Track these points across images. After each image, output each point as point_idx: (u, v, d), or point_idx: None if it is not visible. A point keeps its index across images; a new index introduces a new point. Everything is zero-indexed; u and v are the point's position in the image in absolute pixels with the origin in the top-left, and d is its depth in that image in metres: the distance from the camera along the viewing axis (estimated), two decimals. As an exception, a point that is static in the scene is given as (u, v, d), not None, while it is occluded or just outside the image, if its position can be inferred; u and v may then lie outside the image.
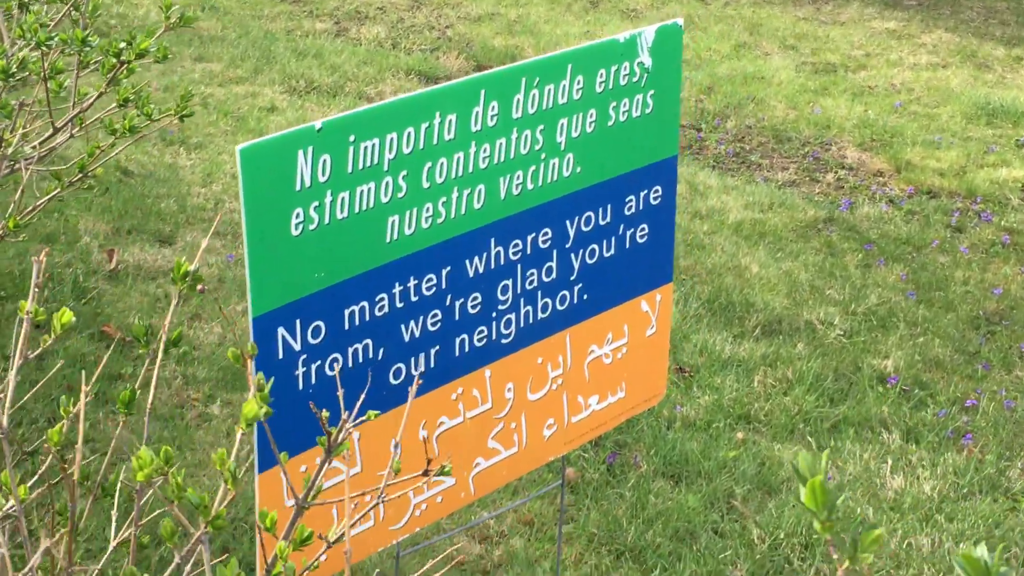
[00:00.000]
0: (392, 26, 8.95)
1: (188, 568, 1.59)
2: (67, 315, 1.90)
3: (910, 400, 5.06)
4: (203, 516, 1.56)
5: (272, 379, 2.48)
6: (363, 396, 1.79)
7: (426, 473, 1.74)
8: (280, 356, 2.47)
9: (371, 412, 1.71)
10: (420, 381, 2.52)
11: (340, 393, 1.76)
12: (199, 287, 1.87)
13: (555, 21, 9.37)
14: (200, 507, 1.54)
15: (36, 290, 1.85)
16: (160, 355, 1.92)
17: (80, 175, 2.74)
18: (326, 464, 1.60)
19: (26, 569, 1.61)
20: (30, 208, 2.74)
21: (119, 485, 1.98)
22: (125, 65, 2.62)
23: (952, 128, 7.95)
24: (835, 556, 1.05)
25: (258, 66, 7.78)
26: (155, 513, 2.21)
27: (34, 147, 2.71)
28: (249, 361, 1.71)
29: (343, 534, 1.52)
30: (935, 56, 9.43)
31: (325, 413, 1.61)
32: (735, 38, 9.37)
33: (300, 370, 2.51)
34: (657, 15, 9.76)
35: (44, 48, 2.53)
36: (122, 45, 2.56)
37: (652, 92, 2.92)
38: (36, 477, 1.99)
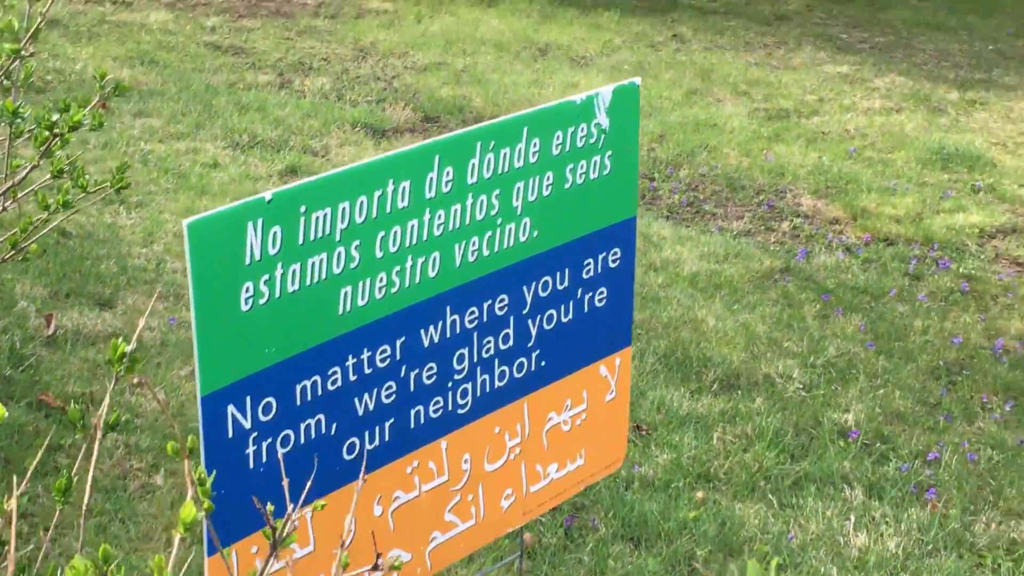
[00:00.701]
0: (337, 77, 8.95)
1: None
2: (-1, 411, 1.86)
3: (872, 454, 5.07)
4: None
5: (220, 462, 2.45)
6: (309, 483, 1.76)
7: (375, 568, 1.72)
8: (230, 435, 2.44)
9: (317, 502, 1.68)
10: (364, 479, 2.49)
11: (285, 483, 1.73)
12: (135, 379, 1.83)
13: (503, 70, 9.41)
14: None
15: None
16: (97, 446, 1.88)
17: (12, 252, 2.71)
18: (271, 560, 1.57)
19: None
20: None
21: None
22: (58, 137, 2.60)
23: (907, 174, 8.03)
24: None
25: (200, 121, 7.75)
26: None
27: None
28: (187, 461, 1.67)
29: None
30: (888, 100, 9.54)
31: (270, 507, 1.58)
32: (686, 85, 9.44)
33: (251, 449, 2.48)
34: (607, 62, 9.83)
35: (-29, 123, 2.51)
36: (55, 117, 2.54)
37: (610, 153, 2.92)
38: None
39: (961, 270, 6.81)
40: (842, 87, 9.79)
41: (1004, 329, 6.20)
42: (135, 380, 1.70)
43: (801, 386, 5.51)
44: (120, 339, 1.90)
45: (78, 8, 9.82)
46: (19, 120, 2.60)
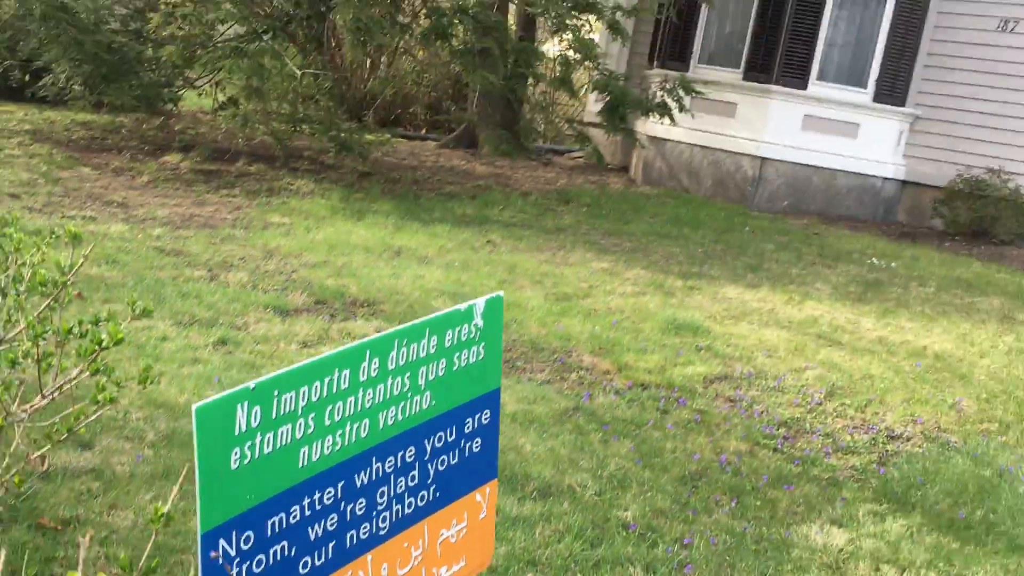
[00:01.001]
0: (252, 272, 8.80)
1: None
2: None
3: (646, 541, 5.10)
4: None
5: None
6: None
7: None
8: (220, 562, 2.32)
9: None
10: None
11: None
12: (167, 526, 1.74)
13: (370, 266, 9.40)
14: None
15: None
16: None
17: (67, 434, 2.58)
18: None
19: None
20: (27, 458, 2.55)
21: None
22: (103, 349, 2.50)
23: (653, 338, 8.24)
24: None
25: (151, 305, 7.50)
26: None
27: (24, 409, 2.55)
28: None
29: None
30: (636, 287, 9.82)
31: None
32: (498, 276, 9.57)
33: (234, 571, 2.36)
34: (442, 260, 9.90)
35: (40, 340, 2.41)
36: (103, 336, 2.45)
37: (483, 344, 2.94)
38: None
39: (694, 406, 6.98)
40: (604, 278, 10.05)
41: (726, 448, 6.35)
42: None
43: (594, 492, 5.52)
44: (159, 501, 1.80)
45: (55, 223, 9.48)
46: (70, 335, 2.50)
